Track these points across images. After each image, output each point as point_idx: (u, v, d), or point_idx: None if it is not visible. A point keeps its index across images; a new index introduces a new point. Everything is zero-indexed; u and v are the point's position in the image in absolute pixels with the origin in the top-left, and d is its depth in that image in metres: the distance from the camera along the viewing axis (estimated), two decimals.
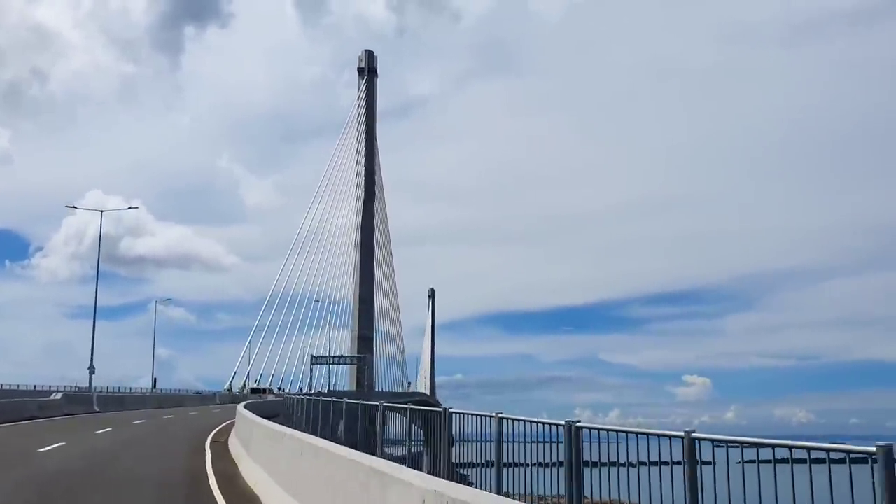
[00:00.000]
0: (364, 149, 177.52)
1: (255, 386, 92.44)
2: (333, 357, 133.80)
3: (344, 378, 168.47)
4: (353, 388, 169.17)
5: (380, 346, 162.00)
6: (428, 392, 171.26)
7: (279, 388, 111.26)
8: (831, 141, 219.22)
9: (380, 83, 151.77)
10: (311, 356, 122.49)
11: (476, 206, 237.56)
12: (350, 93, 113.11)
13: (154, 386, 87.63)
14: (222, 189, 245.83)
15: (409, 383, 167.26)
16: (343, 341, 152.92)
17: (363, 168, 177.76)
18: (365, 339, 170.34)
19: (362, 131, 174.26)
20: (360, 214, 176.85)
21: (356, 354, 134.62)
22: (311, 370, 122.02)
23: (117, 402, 51.77)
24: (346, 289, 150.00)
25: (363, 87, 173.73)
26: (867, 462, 5.50)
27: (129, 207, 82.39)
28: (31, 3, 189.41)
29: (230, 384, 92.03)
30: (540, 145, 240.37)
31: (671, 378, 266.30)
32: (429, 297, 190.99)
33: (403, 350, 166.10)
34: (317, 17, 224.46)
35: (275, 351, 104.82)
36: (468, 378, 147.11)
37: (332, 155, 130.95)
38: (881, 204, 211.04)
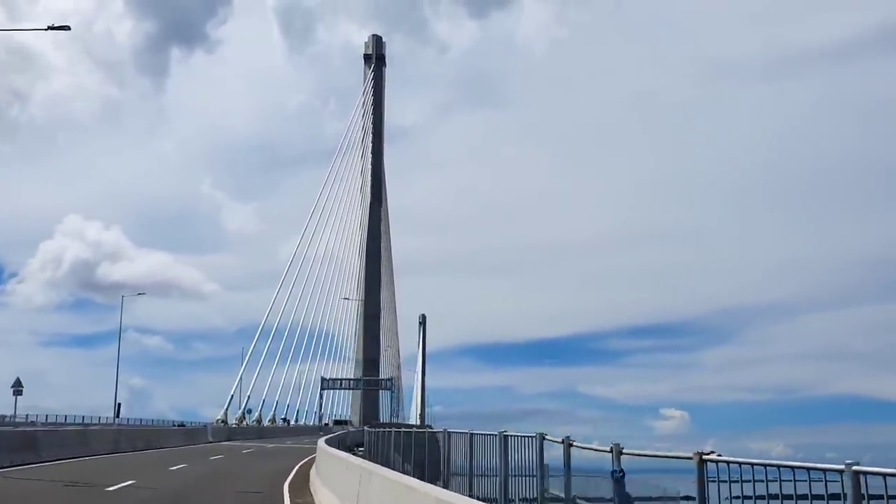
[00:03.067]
0: (371, 146, 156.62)
1: (337, 417, 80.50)
2: (347, 380, 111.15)
3: (341, 408, 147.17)
4: (358, 418, 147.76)
5: (383, 373, 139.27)
6: (418, 422, 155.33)
7: (283, 419, 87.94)
8: (809, 176, 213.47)
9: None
10: (322, 379, 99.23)
11: (456, 237, 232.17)
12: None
13: (117, 414, 63.08)
14: (204, 216, 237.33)
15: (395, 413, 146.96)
16: (346, 368, 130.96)
17: (369, 167, 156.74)
18: (371, 362, 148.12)
19: (368, 126, 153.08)
20: (365, 218, 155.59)
21: (382, 377, 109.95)
22: (321, 396, 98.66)
23: (25, 443, 27.03)
24: (345, 312, 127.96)
25: (370, 76, 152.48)
26: None
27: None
28: (12, 22, 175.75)
29: (225, 414, 67.92)
30: (522, 177, 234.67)
31: (649, 411, 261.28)
32: (420, 323, 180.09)
33: (401, 377, 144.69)
34: (303, 46, 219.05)
35: (274, 378, 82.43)
36: (448, 410, 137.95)
37: (333, 160, 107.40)
38: (858, 239, 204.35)
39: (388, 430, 29.94)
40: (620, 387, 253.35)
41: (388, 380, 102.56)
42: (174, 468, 27.30)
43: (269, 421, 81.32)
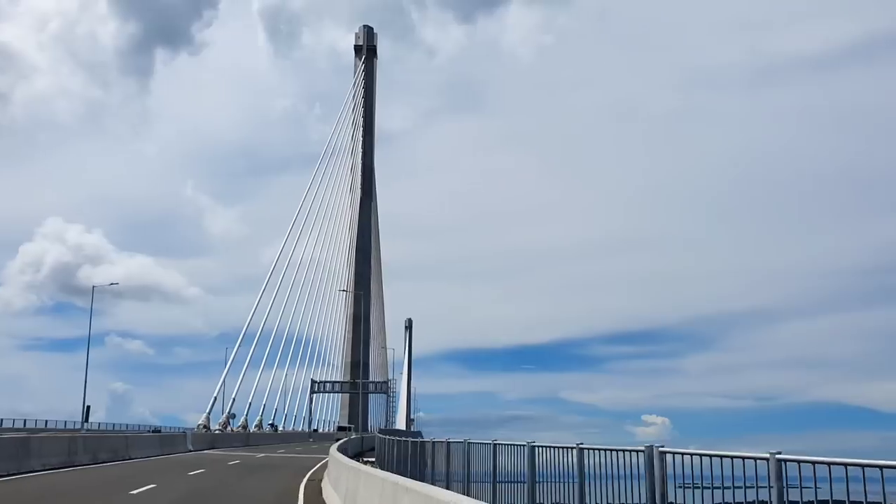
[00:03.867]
0: (362, 139, 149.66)
1: (340, 424, 75.69)
2: (339, 383, 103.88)
3: (331, 413, 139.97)
4: (345, 423, 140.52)
5: (372, 377, 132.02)
6: (404, 428, 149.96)
7: (270, 425, 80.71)
8: (791, 184, 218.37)
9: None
10: (312, 382, 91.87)
11: (439, 243, 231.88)
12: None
13: (86, 419, 55.61)
14: (186, 220, 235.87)
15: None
16: (333, 373, 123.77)
17: (359, 163, 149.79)
18: (360, 365, 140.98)
19: (359, 120, 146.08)
20: (355, 217, 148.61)
21: (377, 380, 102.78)
22: (311, 400, 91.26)
23: None
24: (333, 315, 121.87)
25: (361, 68, 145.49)
26: None
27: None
28: None
29: (207, 419, 60.48)
30: (504, 184, 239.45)
31: (631, 417, 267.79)
32: (406, 327, 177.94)
33: (395, 381, 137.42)
34: (289, 50, 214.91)
35: (260, 383, 75.57)
36: (431, 416, 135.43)
37: (322, 155, 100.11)
38: (839, 248, 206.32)
39: (407, 439, 26.28)
40: (603, 393, 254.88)
41: (384, 382, 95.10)
42: (137, 491, 20.11)
43: (255, 427, 74.02)
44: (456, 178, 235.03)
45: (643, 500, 8.51)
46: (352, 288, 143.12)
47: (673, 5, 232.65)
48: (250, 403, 73.68)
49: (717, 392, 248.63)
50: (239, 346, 73.04)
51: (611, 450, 9.43)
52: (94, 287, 61.27)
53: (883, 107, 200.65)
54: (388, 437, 31.63)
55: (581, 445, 10.18)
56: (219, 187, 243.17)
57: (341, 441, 37.98)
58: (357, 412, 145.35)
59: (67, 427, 59.88)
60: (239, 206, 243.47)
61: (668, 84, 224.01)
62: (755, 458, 6.83)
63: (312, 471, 31.49)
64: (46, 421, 61.28)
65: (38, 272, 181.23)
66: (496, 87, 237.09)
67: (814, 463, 6.26)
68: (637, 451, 8.78)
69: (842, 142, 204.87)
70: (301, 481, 26.12)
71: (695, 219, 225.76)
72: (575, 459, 10.38)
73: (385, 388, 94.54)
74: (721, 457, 7.27)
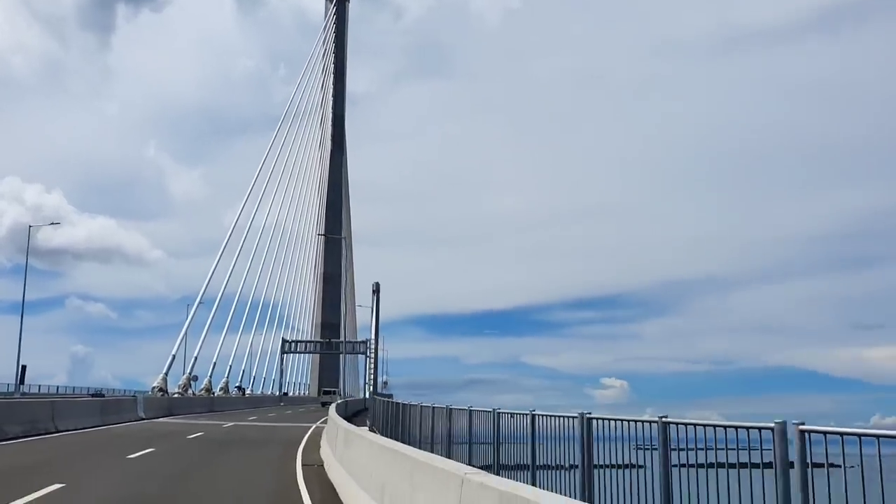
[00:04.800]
0: (332, 87, 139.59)
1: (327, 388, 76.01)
2: (313, 342, 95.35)
3: (303, 376, 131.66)
4: (315, 386, 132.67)
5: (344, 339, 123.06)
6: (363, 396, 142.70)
7: (238, 388, 72.08)
8: (749, 153, 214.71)
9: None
10: (283, 341, 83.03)
11: (403, 208, 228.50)
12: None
13: (21, 381, 46.50)
14: (148, 182, 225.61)
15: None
16: (303, 335, 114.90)
17: (330, 113, 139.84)
18: (331, 327, 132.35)
19: (330, 66, 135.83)
20: (325, 173, 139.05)
21: (356, 340, 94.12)
22: (282, 360, 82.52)
23: None
24: (302, 275, 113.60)
25: (332, 9, 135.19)
26: None
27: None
28: None
29: (164, 381, 51.44)
30: (470, 150, 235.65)
31: (590, 380, 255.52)
32: (373, 291, 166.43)
33: (367, 340, 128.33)
34: (253, 8, 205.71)
35: (226, 344, 66.86)
36: (393, 380, 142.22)
37: (289, 105, 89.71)
38: (794, 216, 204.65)
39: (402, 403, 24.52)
40: (563, 357, 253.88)
41: (363, 342, 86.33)
42: (34, 497, 11.43)
43: (220, 390, 65.16)
44: (421, 143, 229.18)
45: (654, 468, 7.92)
46: (323, 245, 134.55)
47: None
48: (214, 363, 64.85)
49: (674, 356, 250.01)
50: (199, 302, 64.01)
51: (619, 419, 8.80)
52: (30, 227, 51.66)
53: (843, 78, 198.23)
54: (388, 401, 28.69)
55: (586, 415, 9.42)
56: (181, 148, 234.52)
57: (336, 405, 29.73)
58: (329, 375, 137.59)
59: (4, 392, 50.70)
60: (202, 168, 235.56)
61: (635, 52, 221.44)
62: (759, 428, 6.46)
63: (302, 448, 23.07)
64: None
65: None
66: (463, 52, 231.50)
67: (842, 435, 5.64)
68: (649, 422, 8.01)
69: (801, 112, 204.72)
70: (294, 468, 17.65)
71: (656, 187, 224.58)
72: (576, 428, 9.61)
73: (364, 347, 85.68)
74: (725, 427, 6.99)
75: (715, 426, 7.04)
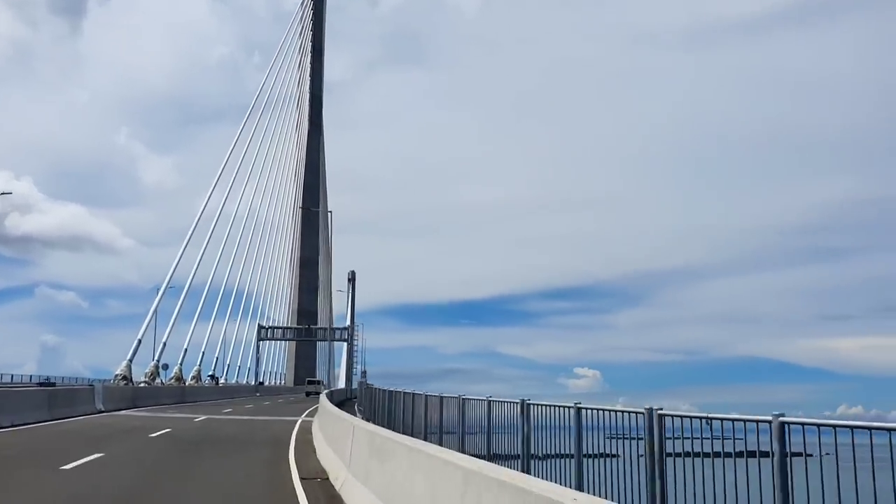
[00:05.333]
0: (310, 67, 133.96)
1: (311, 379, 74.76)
2: (291, 329, 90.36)
3: (278, 365, 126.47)
4: (291, 376, 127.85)
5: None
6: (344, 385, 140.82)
7: (210, 376, 67.09)
8: (720, 145, 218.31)
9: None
10: (259, 328, 77.93)
11: (378, 197, 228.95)
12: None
13: None
14: (120, 169, 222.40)
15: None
16: (279, 321, 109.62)
17: (307, 92, 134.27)
18: (308, 314, 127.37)
19: (307, 45, 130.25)
20: (302, 153, 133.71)
21: (337, 327, 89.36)
22: (258, 348, 77.47)
23: None
24: (277, 261, 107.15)
25: None
26: None
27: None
28: None
29: (128, 368, 46.21)
30: (445, 139, 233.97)
31: (563, 370, 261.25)
32: (349, 279, 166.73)
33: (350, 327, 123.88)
34: None
35: (197, 331, 61.71)
36: (371, 369, 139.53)
37: (261, 86, 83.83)
38: (765, 207, 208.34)
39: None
40: (537, 347, 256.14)
41: (344, 329, 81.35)
42: None
43: (191, 379, 60.00)
44: (397, 132, 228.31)
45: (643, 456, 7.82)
46: (299, 229, 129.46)
47: None
48: (186, 350, 59.60)
49: (646, 346, 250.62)
50: (167, 286, 58.32)
51: (606, 410, 8.76)
52: None
53: (812, 70, 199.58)
54: (382, 390, 27.10)
55: (579, 405, 9.37)
56: (154, 136, 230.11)
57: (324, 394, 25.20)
58: (306, 364, 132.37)
59: None
60: (175, 156, 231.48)
61: (610, 43, 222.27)
62: (757, 421, 6.51)
63: (293, 450, 18.36)
64: None
65: None
66: (439, 41, 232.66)
67: (818, 426, 5.87)
68: (637, 413, 7.92)
69: (773, 105, 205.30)
70: (290, 482, 12.89)
71: (630, 177, 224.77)
72: (572, 417, 9.46)
73: (347, 335, 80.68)
74: (722, 419, 6.98)
75: (711, 419, 7.04)
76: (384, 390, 26.37)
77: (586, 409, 9.05)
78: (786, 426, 6.07)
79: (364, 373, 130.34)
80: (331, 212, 64.07)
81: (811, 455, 5.82)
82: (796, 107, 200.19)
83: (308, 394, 65.98)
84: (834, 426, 5.68)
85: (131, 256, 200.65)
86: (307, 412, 37.77)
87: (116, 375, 44.36)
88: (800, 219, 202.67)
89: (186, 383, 57.45)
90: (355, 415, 25.22)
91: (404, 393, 21.12)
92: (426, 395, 17.19)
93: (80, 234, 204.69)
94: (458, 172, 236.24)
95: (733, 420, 6.81)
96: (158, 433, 22.26)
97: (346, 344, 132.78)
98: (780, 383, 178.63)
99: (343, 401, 48.96)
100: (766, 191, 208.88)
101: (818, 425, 5.82)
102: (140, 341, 48.67)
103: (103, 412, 31.25)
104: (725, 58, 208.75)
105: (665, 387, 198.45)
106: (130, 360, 46.39)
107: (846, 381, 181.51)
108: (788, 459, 6.04)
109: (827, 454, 5.73)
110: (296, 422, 29.29)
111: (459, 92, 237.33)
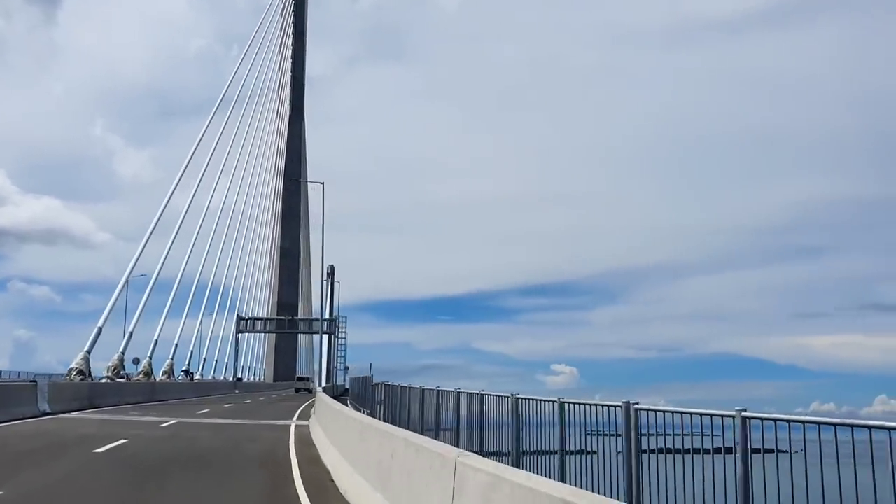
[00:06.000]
0: (291, 49, 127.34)
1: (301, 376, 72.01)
2: (272, 320, 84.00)
3: (258, 361, 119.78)
4: (271, 372, 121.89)
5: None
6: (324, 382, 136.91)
7: (184, 372, 60.88)
8: (698, 144, 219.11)
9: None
10: (238, 318, 71.51)
11: (357, 193, 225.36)
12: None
13: None
14: (96, 163, 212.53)
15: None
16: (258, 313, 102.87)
17: (289, 76, 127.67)
18: (288, 307, 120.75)
19: (289, 27, 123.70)
20: (283, 140, 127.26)
21: (325, 318, 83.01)
22: (236, 341, 71.09)
23: None
24: (258, 250, 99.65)
25: None
26: None
27: None
28: None
29: (85, 359, 39.63)
30: (425, 135, 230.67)
31: (541, 366, 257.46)
32: (328, 274, 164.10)
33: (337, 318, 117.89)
34: None
35: (166, 323, 54.89)
36: (348, 365, 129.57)
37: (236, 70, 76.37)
38: (740, 207, 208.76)
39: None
40: (514, 343, 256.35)
41: (331, 320, 75.08)
42: None
43: (163, 374, 53.44)
44: (376, 127, 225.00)
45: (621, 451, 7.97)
46: (279, 223, 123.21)
47: None
48: (156, 341, 52.91)
49: (622, 343, 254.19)
50: (132, 269, 51.37)
51: (587, 404, 8.95)
52: None
53: (789, 71, 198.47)
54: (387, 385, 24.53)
55: (562, 399, 9.48)
56: (130, 129, 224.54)
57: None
58: (286, 360, 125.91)
59: None
60: (152, 149, 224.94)
61: (589, 40, 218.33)
62: (721, 416, 6.62)
63: (297, 475, 12.45)
64: None
65: None
66: (420, 36, 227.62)
67: (776, 421, 6.09)
68: (614, 406, 8.03)
69: (751, 104, 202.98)
70: None
71: (608, 175, 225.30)
72: (556, 412, 9.59)
73: (333, 326, 74.38)
74: (691, 414, 7.04)
75: (679, 413, 7.14)
76: (389, 386, 23.47)
77: (569, 403, 9.17)
78: (748, 421, 6.20)
79: (346, 368, 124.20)
80: (322, 183, 56.67)
81: (783, 451, 5.91)
82: (774, 107, 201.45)
83: (298, 390, 63.99)
84: (791, 421, 5.85)
85: (107, 251, 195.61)
86: (298, 414, 31.77)
87: (72, 370, 37.85)
88: (775, 218, 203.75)
89: (157, 379, 51.05)
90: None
91: (407, 387, 19.45)
92: (437, 390, 15.51)
93: (54, 228, 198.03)
94: (436, 168, 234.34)
95: (701, 414, 6.87)
96: (106, 447, 16.13)
97: (329, 337, 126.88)
98: (755, 380, 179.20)
99: (334, 397, 43.10)
100: (743, 190, 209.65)
101: (775, 420, 6.01)
102: (101, 329, 42.14)
103: (48, 415, 25.11)
104: (705, 57, 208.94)
105: (641, 383, 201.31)
106: (88, 352, 39.82)
107: (819, 378, 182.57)
108: (749, 455, 6.13)
109: (797, 452, 5.82)
110: (289, 428, 23.38)
111: (439, 88, 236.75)
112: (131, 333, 48.92)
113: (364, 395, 31.18)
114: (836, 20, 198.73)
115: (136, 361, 52.92)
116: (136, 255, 51.81)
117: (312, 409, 28.78)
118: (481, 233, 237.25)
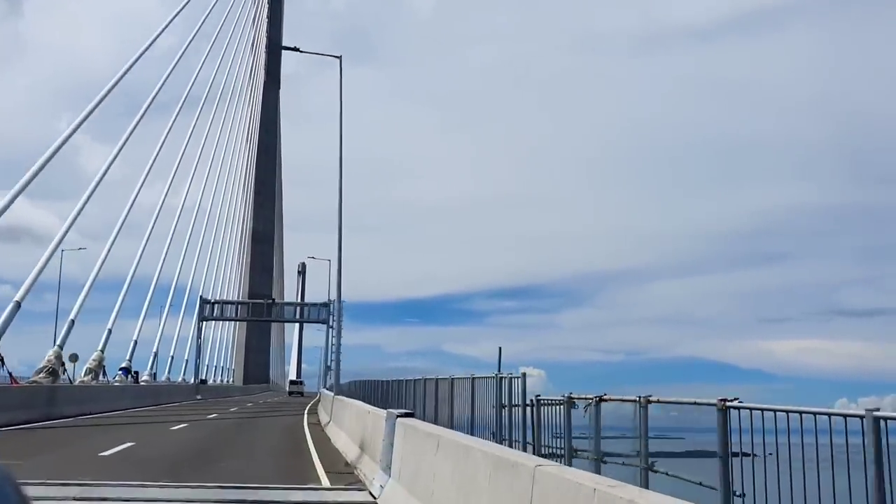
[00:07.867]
0: (268, 7, 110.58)
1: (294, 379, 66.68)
2: (244, 303, 67.62)
3: (226, 360, 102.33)
4: (241, 372, 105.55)
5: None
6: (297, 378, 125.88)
7: (124, 371, 43.97)
8: (666, 150, 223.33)
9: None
10: (201, 302, 54.61)
11: (325, 193, 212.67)
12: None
13: None
14: (62, 159, 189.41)
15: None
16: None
17: (264, 38, 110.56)
18: (261, 298, 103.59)
19: None
20: (258, 109, 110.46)
21: (317, 302, 66.15)
22: (201, 329, 54.32)
23: None
24: (227, 232, 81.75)
25: None
26: None
27: None
28: None
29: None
30: (396, 137, 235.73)
31: (509, 369, 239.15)
32: (298, 272, 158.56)
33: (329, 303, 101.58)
34: None
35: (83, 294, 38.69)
36: (312, 368, 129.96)
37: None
38: (706, 213, 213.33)
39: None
40: (483, 345, 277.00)
41: (322, 305, 58.55)
42: None
43: (85, 374, 36.67)
44: (346, 128, 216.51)
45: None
46: (252, 196, 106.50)
47: None
48: (109, 330, 36.93)
49: (590, 346, 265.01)
50: (60, 240, 35.30)
51: (680, 402, 8.87)
52: None
53: (756, 79, 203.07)
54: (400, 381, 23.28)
55: (649, 399, 9.82)
56: (97, 126, 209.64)
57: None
58: (257, 358, 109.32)
59: None
60: (118, 148, 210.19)
61: (561, 45, 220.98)
62: (846, 416, 6.41)
63: None
64: None
65: None
66: (392, 38, 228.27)
67: (751, 409, 6.29)
68: (709, 405, 7.98)
69: (716, 110, 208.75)
70: None
71: (576, 180, 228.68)
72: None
73: (326, 313, 57.70)
74: (815, 413, 6.78)
75: (808, 412, 7.01)
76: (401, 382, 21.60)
77: (545, 403, 9.96)
78: (728, 411, 6.93)
79: (328, 367, 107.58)
80: (339, 57, 40.88)
81: (758, 455, 6.42)
82: (741, 115, 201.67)
83: (291, 393, 60.17)
84: (766, 410, 6.58)
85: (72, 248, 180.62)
86: (314, 456, 15.48)
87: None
88: (741, 224, 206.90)
89: (74, 380, 34.23)
90: None
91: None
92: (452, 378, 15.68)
93: (17, 226, 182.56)
94: (405, 170, 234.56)
95: (829, 414, 6.76)
96: None
97: (293, 341, 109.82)
98: (720, 384, 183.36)
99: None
100: (710, 196, 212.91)
101: (751, 409, 6.75)
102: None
103: None
104: (674, 65, 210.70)
105: (608, 386, 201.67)
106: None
107: (783, 382, 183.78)
108: (883, 459, 5.95)
109: (770, 454, 6.20)
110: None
111: (410, 90, 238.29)
112: (73, 323, 33.79)
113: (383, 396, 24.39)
114: (805, 30, 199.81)
115: (75, 358, 38.45)
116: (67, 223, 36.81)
117: (361, 442, 12.71)
118: (451, 235, 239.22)
